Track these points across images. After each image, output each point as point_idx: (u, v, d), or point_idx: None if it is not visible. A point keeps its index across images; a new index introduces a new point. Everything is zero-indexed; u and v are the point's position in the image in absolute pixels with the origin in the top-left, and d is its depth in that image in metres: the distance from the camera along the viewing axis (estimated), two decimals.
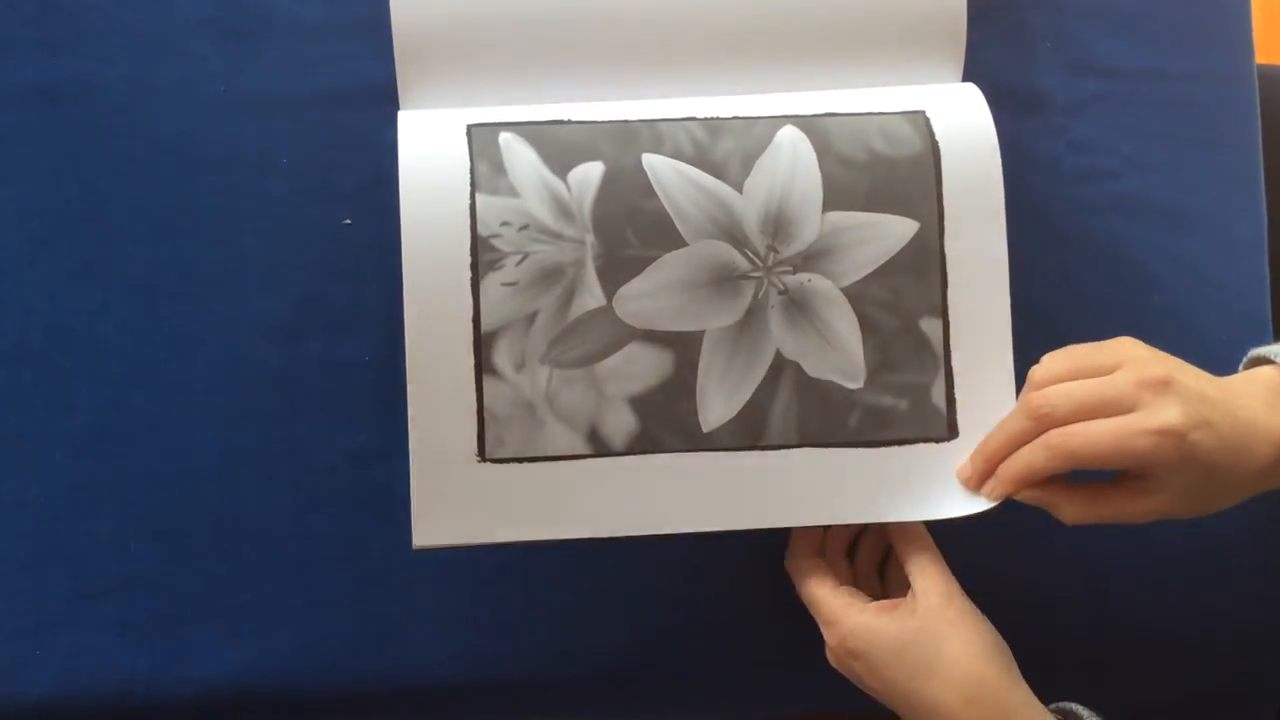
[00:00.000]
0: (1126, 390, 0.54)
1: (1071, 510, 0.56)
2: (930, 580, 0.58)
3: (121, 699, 0.64)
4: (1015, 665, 0.57)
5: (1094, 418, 0.54)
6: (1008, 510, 0.64)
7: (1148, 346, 0.57)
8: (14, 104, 0.64)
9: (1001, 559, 0.66)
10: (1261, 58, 0.70)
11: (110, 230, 0.64)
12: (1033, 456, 0.56)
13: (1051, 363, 0.57)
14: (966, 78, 0.63)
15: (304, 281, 0.64)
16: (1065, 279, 0.67)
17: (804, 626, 0.61)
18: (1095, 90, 0.68)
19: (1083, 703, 0.59)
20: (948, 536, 0.61)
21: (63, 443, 0.64)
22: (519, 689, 0.66)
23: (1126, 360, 0.55)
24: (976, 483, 0.59)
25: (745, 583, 0.66)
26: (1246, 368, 0.60)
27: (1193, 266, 0.68)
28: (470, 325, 0.58)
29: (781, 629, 0.64)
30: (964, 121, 0.61)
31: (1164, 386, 0.54)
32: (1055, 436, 0.55)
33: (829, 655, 0.60)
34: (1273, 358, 0.58)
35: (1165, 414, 0.53)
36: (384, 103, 0.62)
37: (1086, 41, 0.68)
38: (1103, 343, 0.57)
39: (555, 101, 0.61)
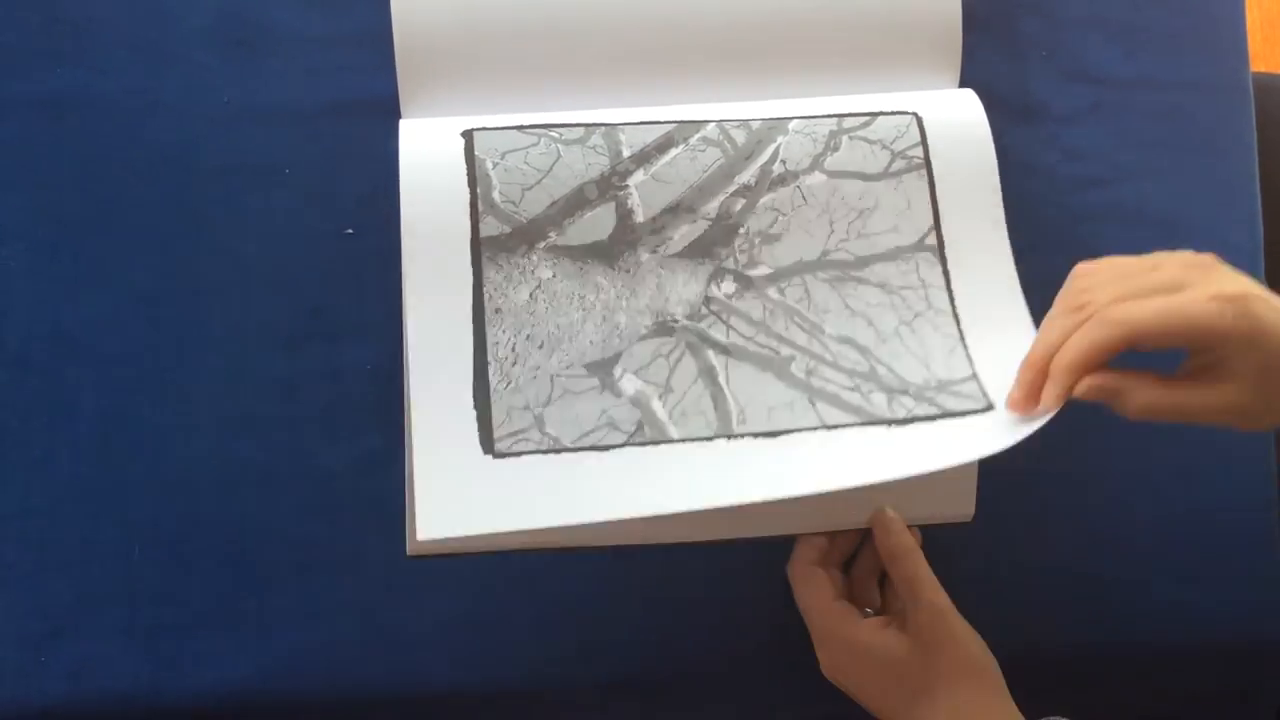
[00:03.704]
0: (1172, 272, 0.50)
1: (1142, 394, 0.50)
2: (921, 597, 0.58)
3: (125, 705, 0.64)
4: (1004, 685, 0.57)
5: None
6: (999, 512, 0.64)
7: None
8: (18, 115, 0.64)
9: (991, 563, 0.66)
10: (1257, 66, 0.71)
11: (113, 240, 0.64)
12: (1090, 333, 0.50)
13: (1088, 266, 0.54)
14: (962, 87, 0.64)
15: (306, 290, 0.65)
16: (1060, 287, 0.67)
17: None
18: (1090, 99, 0.68)
19: (1075, 710, 0.59)
20: (937, 539, 0.61)
21: (67, 450, 0.64)
22: (522, 697, 0.66)
23: (1165, 258, 0.52)
24: (1029, 396, 0.52)
25: (753, 588, 0.66)
26: None
27: None
28: (471, 328, 0.58)
29: (791, 634, 0.64)
30: (958, 123, 0.61)
31: (1211, 265, 0.50)
32: (1111, 310, 0.50)
33: (822, 668, 0.60)
34: None
35: (1221, 283, 0.49)
36: (386, 113, 0.62)
37: (1081, 50, 0.69)
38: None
39: (554, 109, 0.61)
